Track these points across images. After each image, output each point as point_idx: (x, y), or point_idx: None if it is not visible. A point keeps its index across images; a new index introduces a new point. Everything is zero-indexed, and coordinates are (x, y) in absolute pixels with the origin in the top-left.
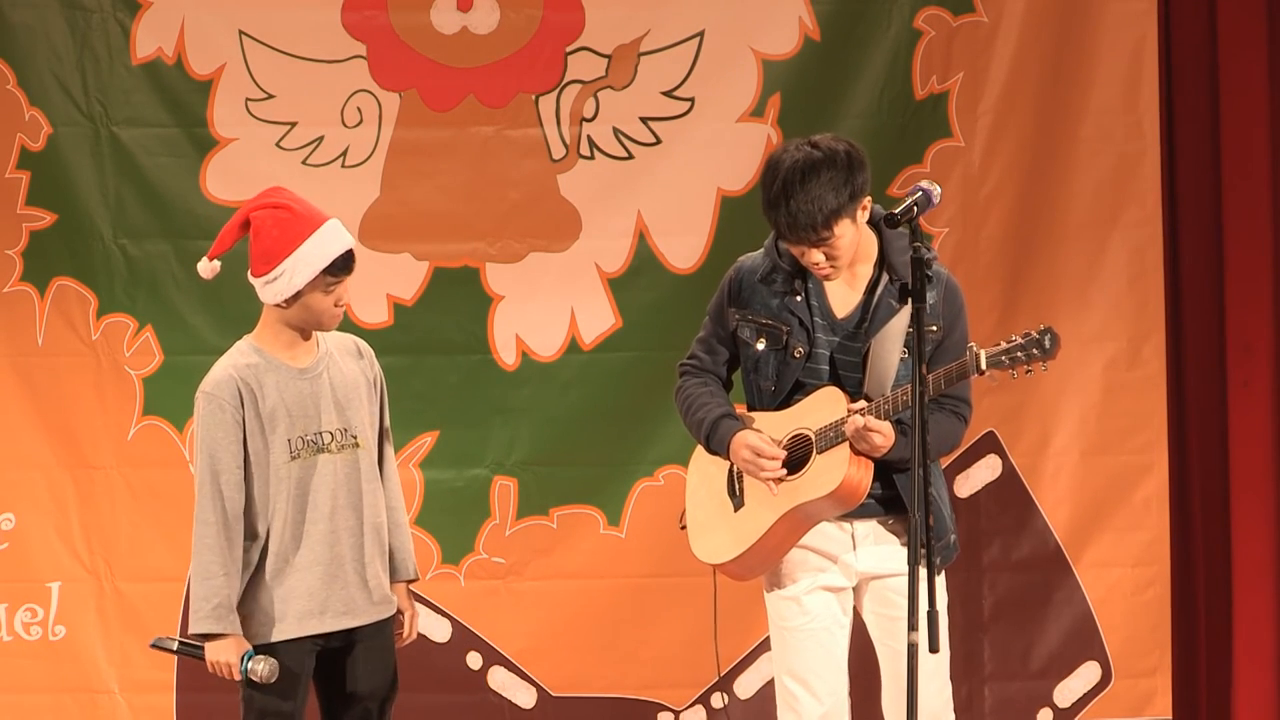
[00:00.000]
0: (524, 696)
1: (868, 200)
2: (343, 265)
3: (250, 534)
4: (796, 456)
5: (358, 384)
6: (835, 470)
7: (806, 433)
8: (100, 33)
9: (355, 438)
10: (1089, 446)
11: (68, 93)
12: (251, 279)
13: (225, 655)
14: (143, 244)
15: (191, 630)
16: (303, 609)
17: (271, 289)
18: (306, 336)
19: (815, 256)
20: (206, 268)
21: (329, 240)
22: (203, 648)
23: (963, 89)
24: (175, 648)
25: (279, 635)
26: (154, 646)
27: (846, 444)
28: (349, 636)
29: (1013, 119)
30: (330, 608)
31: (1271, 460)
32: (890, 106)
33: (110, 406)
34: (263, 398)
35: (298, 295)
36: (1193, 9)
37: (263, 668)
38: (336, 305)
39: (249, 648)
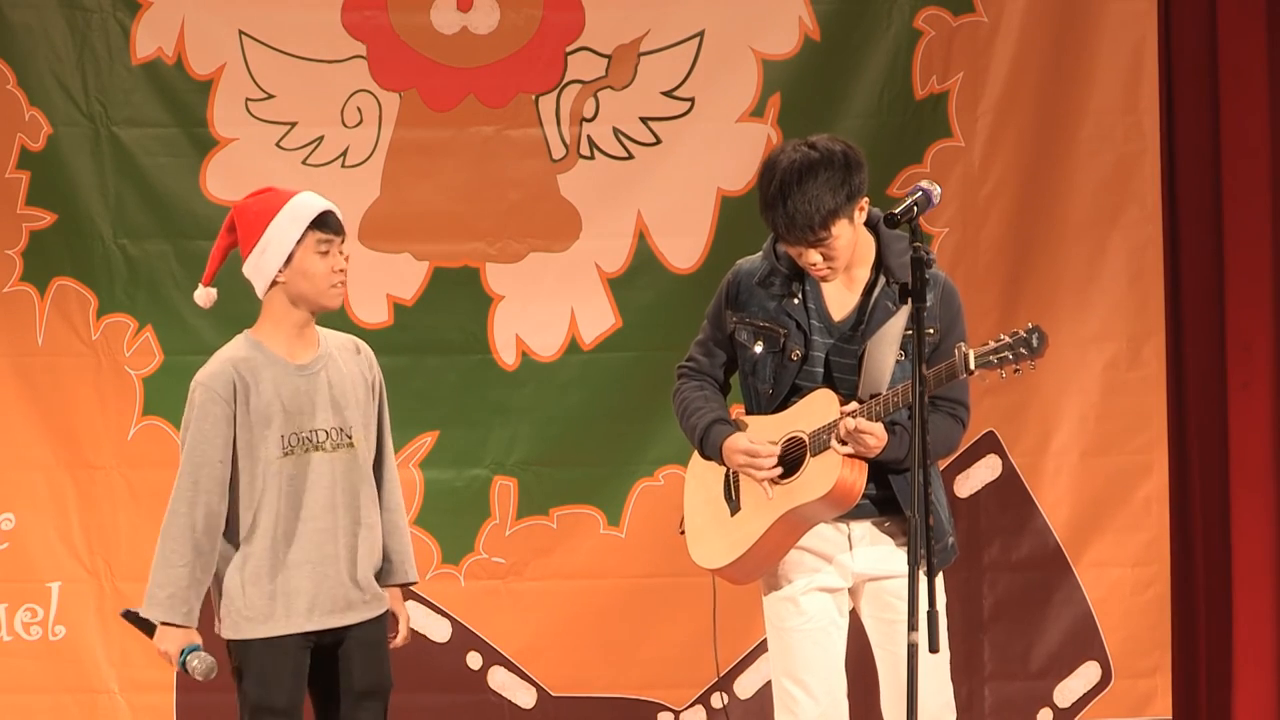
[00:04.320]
0: (524, 696)
1: (865, 201)
2: (334, 224)
3: (237, 528)
4: (791, 459)
5: (356, 384)
6: (829, 472)
7: (800, 435)
8: (100, 33)
9: (350, 437)
10: (1089, 446)
11: (68, 93)
12: (246, 272)
13: (167, 645)
14: (143, 244)
15: (143, 614)
16: (293, 607)
17: (265, 260)
18: (307, 327)
19: (812, 257)
20: (204, 296)
21: (309, 200)
22: (155, 629)
23: (963, 89)
24: (136, 619)
25: (269, 632)
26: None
27: (840, 446)
28: (340, 634)
29: (1013, 119)
30: (320, 606)
31: (1271, 460)
32: (890, 106)
33: (110, 406)
34: (257, 392)
35: (290, 261)
36: (1193, 9)
37: (198, 664)
38: (335, 273)
39: (196, 642)
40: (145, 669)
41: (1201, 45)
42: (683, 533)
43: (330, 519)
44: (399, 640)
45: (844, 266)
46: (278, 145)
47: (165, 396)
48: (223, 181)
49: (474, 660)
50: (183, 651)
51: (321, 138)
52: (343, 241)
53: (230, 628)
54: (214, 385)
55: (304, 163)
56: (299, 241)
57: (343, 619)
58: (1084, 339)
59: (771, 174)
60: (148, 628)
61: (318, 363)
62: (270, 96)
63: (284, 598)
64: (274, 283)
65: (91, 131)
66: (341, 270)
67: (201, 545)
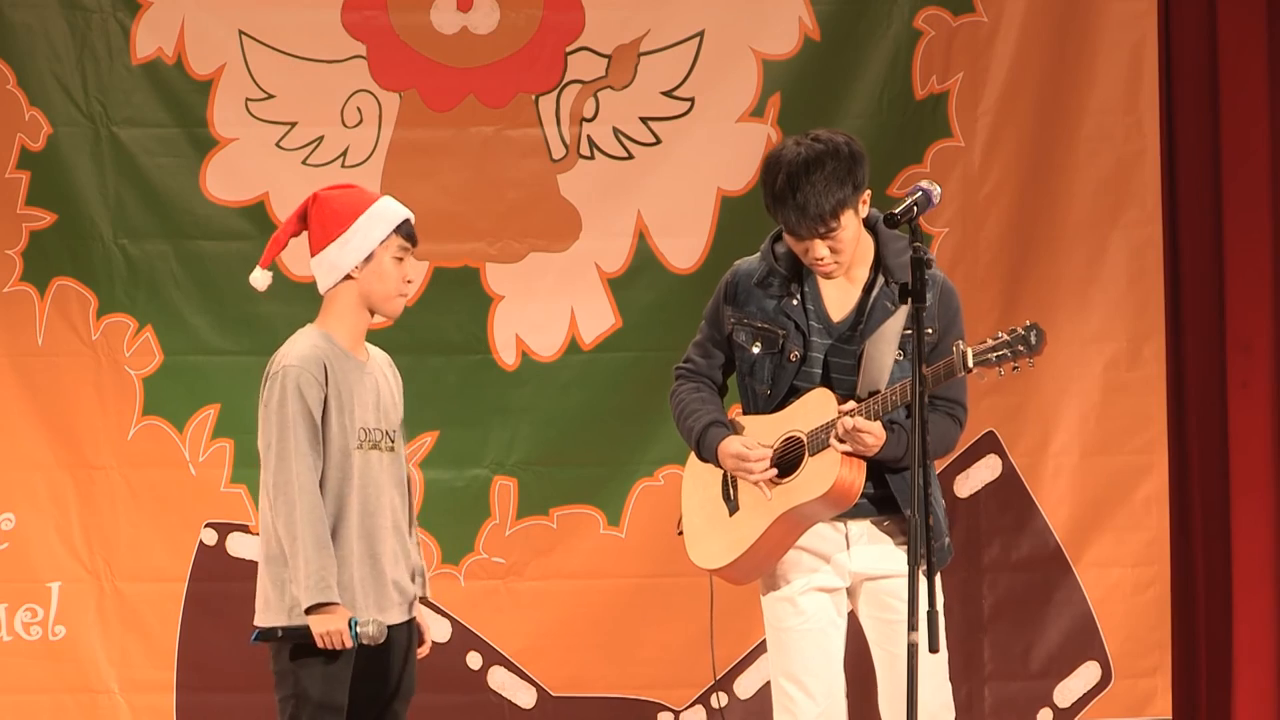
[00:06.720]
0: (524, 696)
1: (867, 193)
2: (413, 235)
3: None
4: (789, 459)
5: (394, 392)
6: (827, 472)
7: (798, 435)
8: (100, 33)
9: (394, 442)
10: (1089, 446)
11: (68, 93)
12: (317, 262)
13: (336, 624)
14: (143, 244)
15: (305, 603)
16: (350, 601)
17: (345, 253)
18: (364, 326)
19: (820, 250)
20: (261, 278)
21: (396, 204)
22: (306, 625)
23: (963, 89)
24: (280, 634)
25: None
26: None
27: (838, 444)
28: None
29: (1013, 119)
30: (369, 604)
31: (1271, 460)
32: (890, 106)
33: (110, 406)
34: (342, 380)
35: (371, 257)
36: (1193, 9)
37: (372, 628)
38: (404, 282)
39: (351, 615)
40: (145, 669)
41: (1201, 45)
42: (681, 533)
43: (386, 518)
44: (423, 650)
45: (848, 261)
46: (278, 145)
47: (165, 396)
48: (223, 182)
49: (474, 660)
50: (350, 624)
51: (321, 138)
52: (413, 251)
53: (299, 617)
54: (309, 368)
55: (304, 163)
56: (383, 241)
57: (387, 618)
58: (1084, 339)
59: (777, 168)
60: (297, 633)
61: (371, 364)
62: (270, 96)
63: (349, 590)
64: (346, 278)
65: (91, 131)
66: (410, 281)
67: (327, 523)
